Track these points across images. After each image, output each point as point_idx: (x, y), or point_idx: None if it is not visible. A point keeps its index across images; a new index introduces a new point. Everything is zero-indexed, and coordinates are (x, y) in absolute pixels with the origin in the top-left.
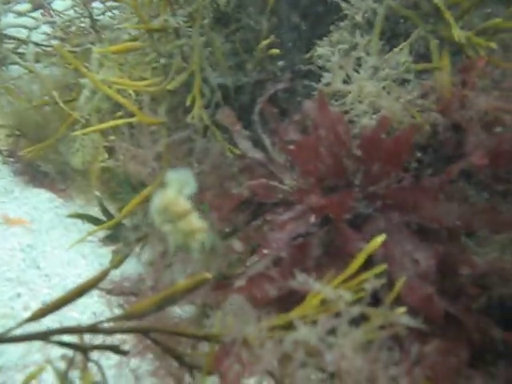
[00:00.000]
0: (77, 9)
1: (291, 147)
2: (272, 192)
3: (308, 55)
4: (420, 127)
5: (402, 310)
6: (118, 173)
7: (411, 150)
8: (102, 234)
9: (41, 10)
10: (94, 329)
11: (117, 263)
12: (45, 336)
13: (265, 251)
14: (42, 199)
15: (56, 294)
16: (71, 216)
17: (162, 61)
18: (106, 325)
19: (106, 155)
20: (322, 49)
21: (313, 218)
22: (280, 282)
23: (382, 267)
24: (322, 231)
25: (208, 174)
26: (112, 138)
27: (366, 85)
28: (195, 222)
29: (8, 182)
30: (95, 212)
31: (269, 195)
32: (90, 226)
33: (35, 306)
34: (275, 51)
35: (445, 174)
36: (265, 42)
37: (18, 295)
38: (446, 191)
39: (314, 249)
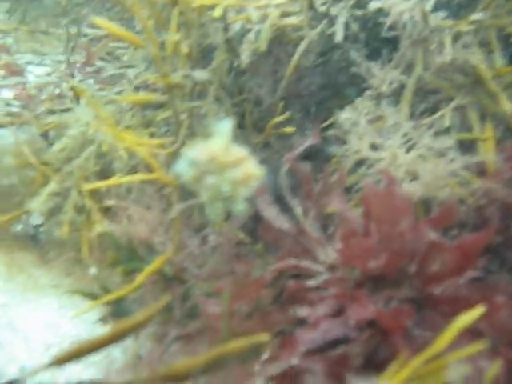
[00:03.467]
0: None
1: (337, 247)
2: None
3: (328, 122)
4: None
5: None
6: (118, 238)
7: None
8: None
9: None
10: None
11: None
12: None
13: (293, 360)
14: None
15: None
16: (69, 292)
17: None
18: None
19: (104, 220)
20: (346, 113)
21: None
22: None
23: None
24: (364, 336)
25: (225, 250)
26: (111, 201)
27: (400, 152)
28: (252, 167)
29: None
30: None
31: (299, 285)
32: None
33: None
34: (289, 130)
35: None
36: (278, 119)
37: None
38: None
39: (354, 359)
